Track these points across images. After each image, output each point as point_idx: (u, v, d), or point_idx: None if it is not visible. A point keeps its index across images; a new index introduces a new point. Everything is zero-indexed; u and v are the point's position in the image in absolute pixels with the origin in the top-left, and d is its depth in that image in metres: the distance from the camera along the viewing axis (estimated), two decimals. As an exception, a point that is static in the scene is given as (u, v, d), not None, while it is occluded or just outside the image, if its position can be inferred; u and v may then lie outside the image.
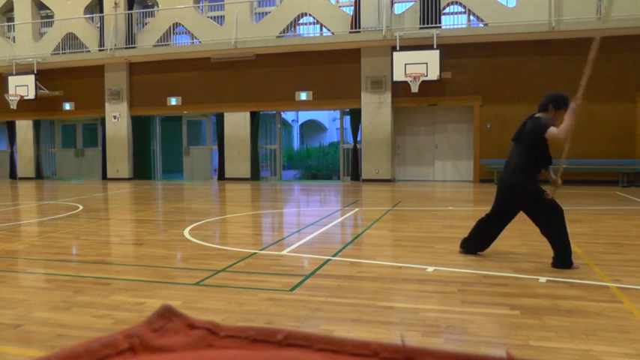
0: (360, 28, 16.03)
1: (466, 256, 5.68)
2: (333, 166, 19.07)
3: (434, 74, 14.84)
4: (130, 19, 18.36)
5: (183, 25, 18.18)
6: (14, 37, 19.89)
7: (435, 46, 14.76)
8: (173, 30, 18.45)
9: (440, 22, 15.44)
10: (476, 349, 3.18)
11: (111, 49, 17.82)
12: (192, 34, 18.18)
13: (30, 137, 19.98)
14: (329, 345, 0.44)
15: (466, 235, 5.82)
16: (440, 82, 15.27)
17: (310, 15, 16.92)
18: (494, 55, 15.21)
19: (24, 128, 20.04)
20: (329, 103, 17.16)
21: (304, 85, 16.85)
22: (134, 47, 18.17)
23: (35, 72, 18.54)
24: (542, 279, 4.70)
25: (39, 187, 16.54)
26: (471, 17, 15.88)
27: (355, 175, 16.69)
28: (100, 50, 18.22)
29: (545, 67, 14.79)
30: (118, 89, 18.56)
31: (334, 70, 16.49)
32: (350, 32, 16.11)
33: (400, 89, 15.60)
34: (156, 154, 19.33)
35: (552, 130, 4.92)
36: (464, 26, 15.80)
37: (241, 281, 4.83)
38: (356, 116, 16.52)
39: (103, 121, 18.99)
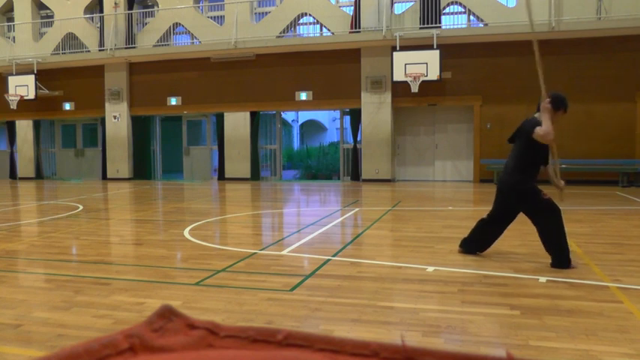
0: (360, 28, 16.03)
1: (466, 256, 5.68)
2: (333, 166, 19.07)
3: (434, 74, 14.84)
4: (130, 19, 18.36)
5: (183, 25, 18.18)
6: (14, 37, 19.89)
7: (435, 46, 14.76)
8: (173, 30, 18.46)
9: (440, 22, 15.44)
10: (476, 349, 3.18)
11: (111, 49, 17.82)
12: (192, 34, 18.18)
13: (30, 137, 19.98)
14: (329, 345, 0.44)
15: (466, 235, 5.82)
16: (440, 82, 15.27)
17: (310, 15, 16.92)
18: (494, 55, 15.21)
19: (24, 128, 20.04)
20: (329, 103, 17.16)
21: (304, 85, 16.85)
22: (134, 47, 18.17)
23: (35, 72, 18.54)
24: (542, 279, 4.70)
25: (39, 187, 16.54)
26: (471, 17, 15.88)
27: (355, 175, 16.69)
28: (100, 50, 18.22)
29: (545, 67, 14.75)
30: (118, 89, 18.56)
31: (334, 70, 16.49)
32: (350, 32, 16.11)
33: (400, 89, 15.60)
34: (156, 154, 19.33)
35: (536, 130, 5.04)
36: (464, 26, 15.80)
37: (241, 281, 4.83)
38: (356, 116, 16.52)
39: (103, 121, 19.00)
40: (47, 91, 18.90)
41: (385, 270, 5.18)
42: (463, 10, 15.88)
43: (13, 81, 18.50)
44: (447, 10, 15.90)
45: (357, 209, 10.22)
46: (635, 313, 3.81)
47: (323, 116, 28.30)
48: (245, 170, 17.57)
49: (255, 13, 17.85)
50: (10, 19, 20.34)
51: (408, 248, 6.26)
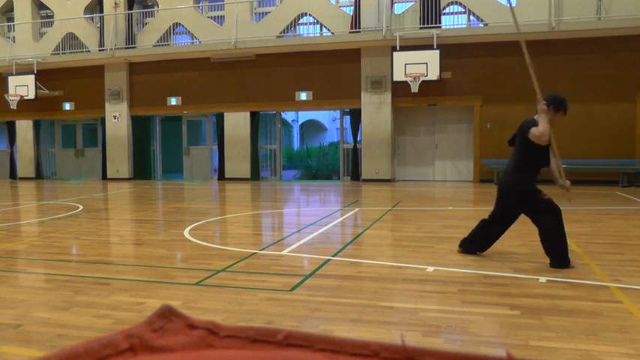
0: (360, 28, 16.03)
1: (466, 256, 5.68)
2: (333, 166, 19.07)
3: (434, 74, 14.84)
4: (130, 19, 18.36)
5: (183, 25, 18.18)
6: (14, 37, 19.89)
7: (435, 46, 14.76)
8: (173, 30, 18.46)
9: (440, 22, 15.44)
10: (476, 349, 3.18)
11: (111, 49, 17.82)
12: (192, 34, 18.18)
13: (30, 137, 19.98)
14: (329, 345, 0.44)
15: (466, 235, 5.82)
16: (440, 82, 15.27)
17: (310, 15, 16.92)
18: (494, 55, 15.21)
19: (24, 128, 20.04)
20: (329, 103, 17.16)
21: (304, 85, 16.85)
22: (134, 47, 18.17)
23: (35, 72, 18.54)
24: (542, 279, 4.70)
25: (39, 187, 16.54)
26: (471, 17, 15.88)
27: (355, 175, 16.69)
28: (100, 50, 18.22)
29: (545, 67, 14.77)
30: (118, 89, 18.56)
31: (334, 70, 16.49)
32: (350, 32, 16.11)
33: (400, 89, 15.60)
34: (156, 154, 19.33)
35: (532, 131, 5.03)
36: (464, 26, 15.80)
37: (241, 281, 4.83)
38: (356, 116, 16.52)
39: (103, 121, 19.00)
40: (47, 91, 18.90)
41: (385, 270, 5.18)
42: (463, 10, 15.88)
43: (13, 81, 18.50)
44: (447, 10, 15.90)
45: (357, 209, 10.22)
46: (635, 313, 3.81)
47: (323, 116, 28.30)
48: (245, 170, 17.57)
49: (255, 13, 17.85)
50: (10, 19, 20.34)
51: (408, 248, 6.26)
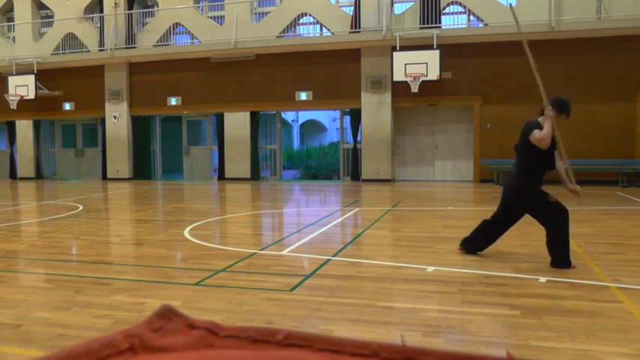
0: (360, 28, 16.03)
1: (466, 256, 5.68)
2: (333, 166, 19.07)
3: (434, 74, 14.84)
4: (130, 19, 18.36)
5: (183, 25, 18.18)
6: (14, 37, 19.89)
7: (435, 46, 14.76)
8: (173, 30, 18.46)
9: (440, 22, 15.44)
10: (476, 349, 3.18)
11: (111, 49, 17.82)
12: (192, 34, 18.18)
13: (30, 137, 19.98)
14: (329, 345, 0.44)
15: (467, 235, 5.81)
16: (440, 82, 15.27)
17: (310, 15, 16.92)
18: (494, 55, 15.21)
19: (24, 128, 20.04)
20: (329, 103, 17.16)
21: (304, 85, 16.85)
22: (134, 47, 18.17)
23: (35, 72, 18.54)
24: (542, 279, 4.70)
25: (39, 187, 16.54)
26: (471, 17, 15.88)
27: (355, 175, 16.69)
28: (100, 50, 18.22)
29: (545, 67, 14.74)
30: (118, 89, 18.56)
31: (334, 70, 16.49)
32: (350, 32, 16.11)
33: (400, 89, 15.60)
34: (156, 154, 19.33)
35: (534, 133, 5.03)
36: (464, 26, 15.80)
37: (241, 281, 4.83)
38: (356, 116, 16.52)
39: (103, 121, 19.00)
40: (47, 91, 18.90)
41: (385, 270, 5.18)
42: (463, 10, 15.88)
43: (13, 81, 18.50)
44: (447, 10, 15.90)
45: (357, 209, 10.22)
46: (635, 313, 3.81)
47: (323, 116, 28.29)
48: (245, 170, 17.57)
49: (255, 13, 17.85)
50: (10, 19, 20.34)
51: (408, 248, 6.26)
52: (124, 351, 0.43)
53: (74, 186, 16.71)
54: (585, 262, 5.38)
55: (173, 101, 18.15)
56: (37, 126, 19.97)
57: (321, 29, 17.05)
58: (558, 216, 5.10)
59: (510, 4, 5.87)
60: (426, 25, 15.33)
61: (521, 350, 3.16)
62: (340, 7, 16.98)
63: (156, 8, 18.33)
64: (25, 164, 20.06)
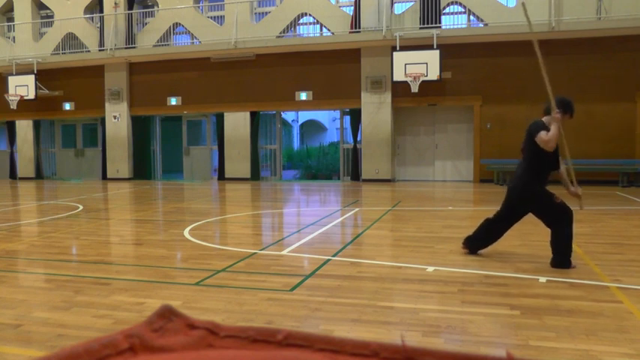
0: (360, 28, 16.03)
1: (466, 256, 5.68)
2: (333, 166, 19.07)
3: (434, 74, 14.84)
4: (130, 19, 18.36)
5: (183, 25, 18.18)
6: (14, 37, 19.89)
7: (435, 46, 14.76)
8: (173, 30, 18.46)
9: (440, 22, 15.44)
10: (476, 349, 3.18)
11: (111, 49, 17.83)
12: (192, 34, 18.18)
13: (30, 137, 19.98)
14: (329, 345, 0.44)
15: (470, 234, 5.80)
16: (440, 82, 15.27)
17: (310, 15, 16.92)
18: (494, 55, 15.21)
19: (24, 128, 20.04)
20: (329, 103, 17.16)
21: (304, 85, 16.85)
22: (134, 47, 18.17)
23: (35, 72, 18.54)
24: (542, 279, 4.70)
25: (39, 187, 16.54)
26: (471, 17, 15.88)
27: (355, 175, 16.69)
28: (100, 50, 18.22)
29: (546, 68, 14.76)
30: (118, 89, 18.56)
31: (334, 70, 16.50)
32: (350, 32, 16.11)
33: (400, 89, 15.60)
34: (156, 154, 19.33)
35: (541, 135, 5.02)
36: (464, 26, 15.80)
37: (241, 281, 4.83)
38: (356, 116, 16.52)
39: (103, 121, 19.00)
40: (47, 91, 18.90)
41: (385, 270, 5.18)
42: (463, 10, 15.88)
43: (13, 81, 18.50)
44: (447, 10, 15.90)
45: (357, 209, 10.22)
46: (635, 313, 3.81)
47: (323, 116, 28.29)
48: (245, 170, 17.57)
49: (255, 13, 17.85)
50: (10, 19, 20.34)
51: (408, 248, 6.26)
52: (124, 351, 0.43)
53: (74, 186, 16.71)
54: (585, 262, 5.38)
55: (173, 101, 18.15)
56: (37, 126, 19.97)
57: (321, 29, 17.05)
58: (563, 216, 5.10)
59: (522, 2, 5.79)
60: (426, 25, 15.33)
61: (521, 350, 3.16)
62: (340, 7, 16.98)
63: (156, 8, 18.33)
64: (25, 164, 20.06)
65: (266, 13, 17.56)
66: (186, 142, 18.95)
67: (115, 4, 18.22)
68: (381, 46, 15.83)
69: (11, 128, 20.22)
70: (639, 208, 10.01)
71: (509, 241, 6.25)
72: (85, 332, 3.54)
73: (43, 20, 19.90)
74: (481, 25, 15.58)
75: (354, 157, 16.68)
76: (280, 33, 17.07)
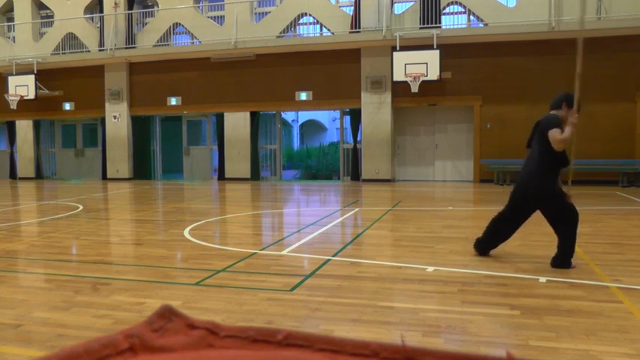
0: (360, 28, 16.03)
1: (466, 256, 5.68)
2: (333, 166, 19.07)
3: (434, 74, 14.84)
4: (130, 19, 18.36)
5: (183, 25, 18.18)
6: (14, 37, 19.89)
7: (435, 46, 14.76)
8: (173, 30, 18.46)
9: (440, 22, 15.44)
10: (476, 349, 3.18)
11: (111, 49, 17.83)
12: (192, 34, 18.18)
13: (30, 137, 19.99)
14: (329, 345, 0.44)
15: (480, 236, 5.71)
16: (440, 82, 15.27)
17: (310, 15, 16.92)
18: (494, 55, 15.21)
19: (24, 128, 20.05)
20: (329, 103, 17.16)
21: (304, 85, 16.85)
22: (134, 47, 18.17)
23: (35, 72, 18.54)
24: (542, 279, 4.70)
25: (39, 187, 16.54)
26: (471, 17, 15.88)
27: (355, 175, 16.69)
28: (100, 50, 18.22)
29: (545, 67, 14.79)
30: (118, 89, 18.56)
31: (334, 70, 16.50)
32: (350, 32, 16.11)
33: (400, 89, 15.60)
34: (156, 154, 19.33)
35: (554, 133, 4.95)
36: (464, 26, 15.80)
37: (241, 281, 4.83)
38: (356, 116, 16.52)
39: (103, 121, 19.00)
40: (47, 91, 18.90)
41: (385, 270, 5.18)
42: (463, 10, 15.88)
43: (13, 81, 18.50)
44: (447, 10, 15.90)
45: (357, 209, 10.22)
46: (635, 313, 3.81)
47: (323, 116, 28.30)
48: (245, 170, 17.57)
49: (255, 13, 17.85)
50: (10, 19, 20.34)
51: (408, 248, 6.26)
52: (124, 351, 0.43)
53: (74, 186, 16.71)
54: (585, 262, 5.38)
55: (173, 101, 18.15)
56: (37, 126, 19.97)
57: (321, 29, 17.05)
58: (571, 217, 5.07)
59: None
60: (426, 25, 15.33)
61: (521, 350, 3.16)
62: (340, 7, 16.98)
63: (156, 8, 18.33)
64: (25, 164, 20.06)
65: (266, 13, 17.56)
66: (186, 142, 18.95)
67: (115, 4, 18.22)
68: (381, 46, 15.83)
69: (11, 128, 20.22)
70: (639, 208, 10.01)
71: (510, 241, 6.24)
72: (85, 332, 3.54)
73: (43, 20, 19.90)
74: (481, 25, 15.58)
75: (354, 157, 16.68)
76: (280, 33, 17.07)
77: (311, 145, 24.30)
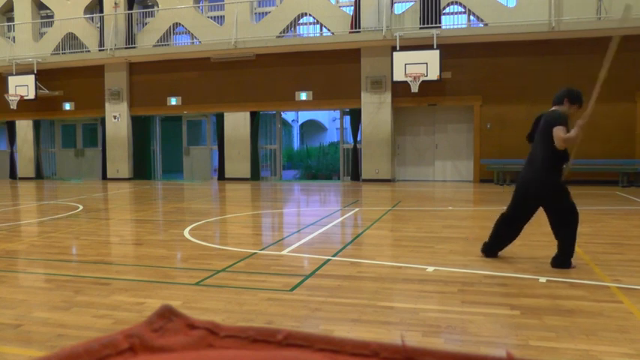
0: (360, 28, 16.03)
1: (466, 256, 5.68)
2: (333, 166, 19.07)
3: (434, 74, 14.84)
4: (130, 19, 18.36)
5: (183, 25, 18.18)
6: (14, 37, 19.89)
7: (435, 46, 14.76)
8: (173, 30, 18.46)
9: (440, 22, 15.44)
10: (476, 349, 3.18)
11: (111, 49, 17.83)
12: (192, 34, 18.18)
13: (30, 137, 19.98)
14: (329, 345, 0.44)
15: (486, 241, 5.65)
16: (440, 82, 15.27)
17: (310, 15, 16.92)
18: (494, 55, 15.21)
19: (24, 128, 20.04)
20: (329, 103, 17.16)
21: (304, 85, 16.85)
22: (134, 47, 18.17)
23: (35, 72, 18.54)
24: (542, 279, 4.70)
25: (39, 187, 16.54)
26: (471, 17, 15.88)
27: (355, 175, 16.69)
28: (100, 50, 18.22)
29: (545, 67, 14.78)
30: (118, 89, 18.56)
31: (334, 70, 16.50)
32: (350, 32, 16.11)
33: (400, 89, 15.60)
34: (156, 154, 19.33)
35: (559, 131, 4.90)
36: (464, 26, 15.80)
37: (241, 281, 4.83)
38: (356, 116, 16.52)
39: (103, 121, 19.00)
40: (47, 91, 18.90)
41: (385, 270, 5.18)
42: (463, 10, 15.87)
43: (13, 81, 18.50)
44: (447, 10, 15.90)
45: (357, 209, 10.22)
46: (635, 313, 3.81)
47: (323, 116, 28.29)
48: (245, 170, 17.57)
49: (255, 13, 17.85)
50: (10, 19, 20.34)
51: (408, 248, 6.26)
52: (124, 351, 0.43)
53: (74, 186, 16.71)
54: (585, 262, 5.38)
55: (173, 101, 18.15)
56: (37, 126, 19.97)
57: (321, 29, 17.05)
58: (573, 217, 5.07)
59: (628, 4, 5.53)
60: (426, 25, 15.32)
61: (521, 350, 3.16)
62: (340, 7, 16.98)
63: (156, 8, 18.33)
64: (25, 164, 20.06)
65: (266, 13, 17.56)
66: (186, 142, 18.95)
67: (115, 4, 18.22)
68: (381, 46, 15.83)
69: (11, 128, 20.22)
70: (639, 208, 10.01)
71: (509, 241, 6.25)
72: (85, 332, 3.54)
73: (43, 20, 19.90)
74: (481, 25, 15.57)
75: (354, 157, 16.68)
76: (280, 33, 17.07)
77: (311, 145, 24.29)
